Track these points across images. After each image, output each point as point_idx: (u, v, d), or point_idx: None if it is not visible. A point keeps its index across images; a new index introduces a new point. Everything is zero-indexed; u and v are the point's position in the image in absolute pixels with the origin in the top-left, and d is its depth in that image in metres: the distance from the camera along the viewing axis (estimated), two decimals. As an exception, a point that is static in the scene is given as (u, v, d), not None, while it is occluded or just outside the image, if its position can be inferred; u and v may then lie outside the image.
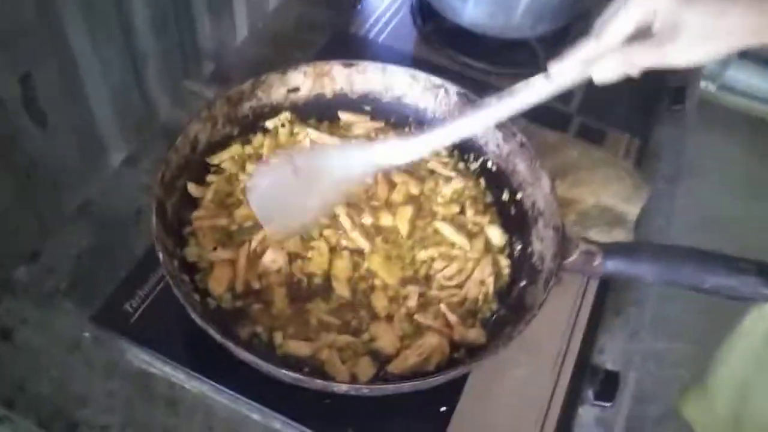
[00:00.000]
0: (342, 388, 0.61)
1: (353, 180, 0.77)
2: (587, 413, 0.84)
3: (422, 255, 0.78)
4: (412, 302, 0.73)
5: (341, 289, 0.74)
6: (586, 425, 0.84)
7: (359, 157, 0.74)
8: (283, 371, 0.61)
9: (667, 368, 1.97)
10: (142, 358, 0.80)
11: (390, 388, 0.63)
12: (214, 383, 0.74)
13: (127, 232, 0.88)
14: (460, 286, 0.76)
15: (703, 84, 2.51)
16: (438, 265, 0.77)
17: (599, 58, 0.60)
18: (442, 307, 0.73)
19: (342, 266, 0.76)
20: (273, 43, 1.19)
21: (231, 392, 0.74)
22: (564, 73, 0.62)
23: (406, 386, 0.62)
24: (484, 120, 0.69)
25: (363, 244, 0.77)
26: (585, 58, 0.61)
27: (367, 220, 0.79)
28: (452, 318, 0.72)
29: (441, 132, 0.70)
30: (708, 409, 1.07)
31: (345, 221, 0.77)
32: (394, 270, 0.77)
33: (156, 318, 0.77)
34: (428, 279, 0.77)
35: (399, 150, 0.72)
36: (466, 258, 0.78)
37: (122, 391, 0.80)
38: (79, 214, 0.96)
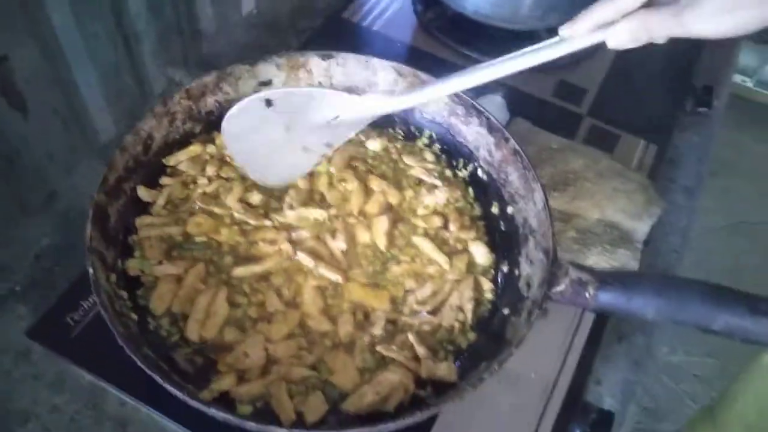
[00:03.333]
0: (280, 433, 0.53)
1: (335, 133, 0.70)
2: (579, 455, 0.76)
3: (394, 271, 0.69)
4: (378, 330, 0.65)
5: (317, 324, 0.66)
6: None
7: (344, 101, 0.67)
8: (213, 411, 0.53)
9: (683, 383, 1.87)
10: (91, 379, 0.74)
11: (335, 436, 0.54)
12: (161, 415, 0.67)
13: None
14: (434, 312, 0.67)
15: (739, 79, 2.37)
16: (409, 284, 0.69)
17: (614, 23, 0.55)
18: (410, 337, 0.64)
19: (311, 298, 0.67)
20: (267, 28, 1.12)
21: (179, 425, 0.66)
22: (576, 36, 0.58)
23: (353, 434, 0.54)
24: (484, 76, 0.62)
25: (333, 277, 0.69)
26: (599, 21, 0.56)
27: (341, 245, 0.70)
28: (421, 351, 0.63)
29: (436, 85, 0.64)
30: None
31: (305, 260, 0.69)
32: (382, 294, 0.68)
33: (100, 334, 0.69)
34: (396, 302, 0.68)
35: (390, 100, 0.67)
36: (443, 279, 0.69)
37: (69, 407, 0.75)
38: (43, 209, 0.90)
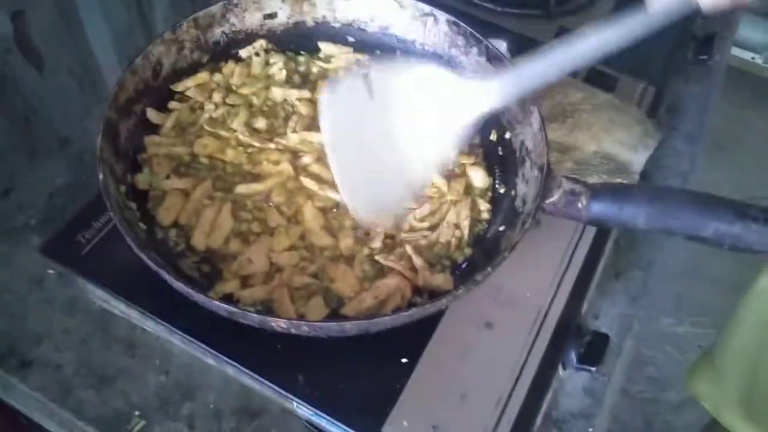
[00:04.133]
0: (281, 324, 0.55)
1: (440, 140, 0.62)
2: (574, 380, 0.78)
3: None
4: (377, 243, 0.67)
5: (318, 239, 0.68)
6: (573, 393, 0.78)
7: (443, 88, 0.60)
8: (216, 303, 0.55)
9: (688, 352, 1.88)
10: (101, 297, 0.76)
11: (333, 327, 0.56)
12: (166, 324, 0.69)
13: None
14: (432, 228, 0.69)
15: (749, 56, 2.36)
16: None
17: None
18: (408, 249, 0.66)
19: (313, 216, 0.69)
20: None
21: (184, 335, 0.69)
22: (665, 2, 0.54)
23: (349, 325, 0.56)
24: (585, 53, 0.57)
25: (338, 197, 0.70)
26: None
27: None
28: (417, 261, 0.65)
29: (541, 66, 0.59)
30: (717, 383, 0.99)
31: (309, 184, 0.71)
32: None
33: (110, 251, 0.72)
34: (396, 218, 0.70)
35: (497, 89, 0.60)
36: (441, 200, 0.71)
37: (80, 330, 0.77)
38: (58, 151, 0.93)
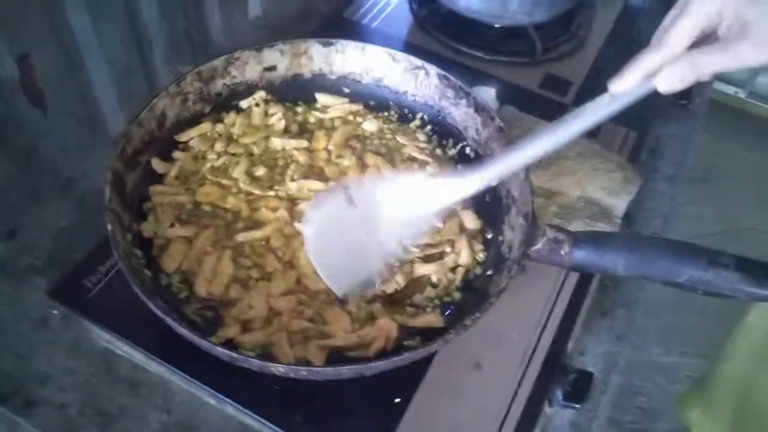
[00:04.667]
0: (279, 369, 0.58)
1: (416, 223, 0.70)
2: (560, 416, 0.81)
3: None
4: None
5: (313, 282, 0.71)
6: (559, 428, 0.80)
7: (419, 190, 0.68)
8: (219, 349, 0.58)
9: (677, 382, 1.90)
10: (105, 338, 0.79)
11: (329, 371, 0.60)
12: (169, 365, 0.72)
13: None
14: (426, 260, 0.73)
15: (732, 90, 2.43)
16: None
17: (662, 68, 0.57)
18: (398, 277, 0.70)
19: (307, 260, 0.72)
20: (272, 30, 1.18)
21: (186, 376, 0.72)
22: (626, 89, 0.59)
23: (345, 370, 0.59)
24: (550, 143, 0.63)
25: None
26: (647, 70, 0.57)
27: None
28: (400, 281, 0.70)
29: (508, 159, 0.65)
30: (708, 410, 1.02)
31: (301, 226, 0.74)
32: None
33: (115, 295, 0.75)
34: None
35: (466, 182, 0.66)
36: (440, 237, 0.75)
37: (84, 370, 0.79)
38: (61, 193, 0.96)
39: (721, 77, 2.39)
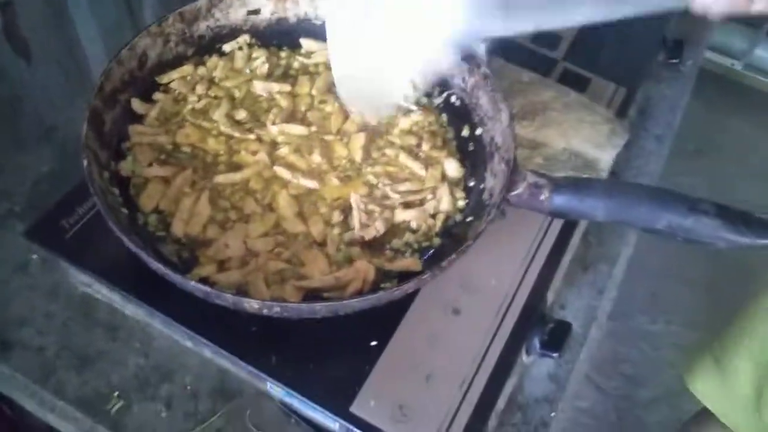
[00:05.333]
0: (253, 305, 0.58)
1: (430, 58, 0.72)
2: (539, 366, 0.81)
3: (369, 172, 0.75)
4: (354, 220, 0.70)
5: (292, 225, 0.71)
6: (538, 378, 0.81)
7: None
8: (192, 284, 0.58)
9: (662, 350, 1.92)
10: (83, 281, 0.79)
11: (303, 308, 0.59)
12: (147, 306, 0.72)
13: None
14: (407, 205, 0.73)
15: (729, 62, 2.42)
16: (385, 182, 0.74)
17: None
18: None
19: (287, 203, 0.72)
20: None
21: (163, 316, 0.71)
22: None
23: (319, 307, 0.59)
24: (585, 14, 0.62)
25: (310, 184, 0.73)
26: None
27: (316, 158, 0.75)
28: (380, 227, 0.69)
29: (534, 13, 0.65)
30: (724, 385, 1.02)
31: (283, 173, 0.73)
32: (355, 187, 0.74)
33: (92, 236, 0.75)
34: (372, 188, 0.75)
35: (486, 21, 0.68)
36: (422, 184, 0.74)
37: (62, 313, 0.79)
38: (43, 141, 0.95)
39: (717, 48, 2.38)
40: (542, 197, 0.66)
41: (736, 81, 2.45)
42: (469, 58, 0.79)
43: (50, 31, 0.97)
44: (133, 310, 0.78)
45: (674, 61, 1.08)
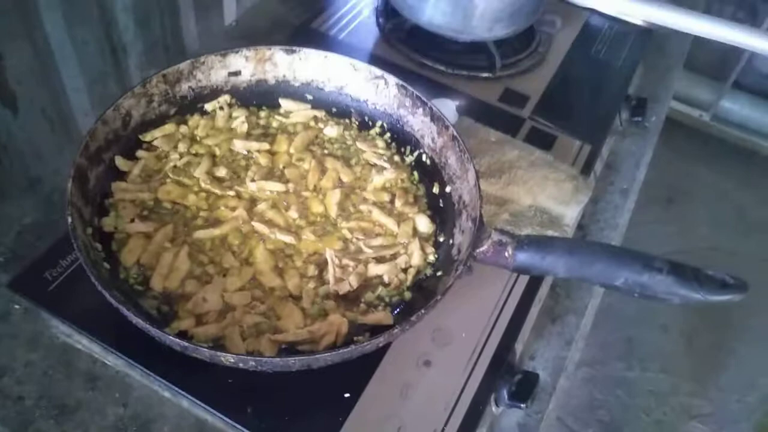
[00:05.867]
0: (229, 359, 0.61)
1: None
2: (508, 417, 0.83)
3: (344, 227, 0.78)
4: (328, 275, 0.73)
5: (268, 279, 0.73)
6: (507, 428, 0.83)
7: None
8: (170, 338, 0.60)
9: (638, 397, 1.94)
10: (64, 331, 0.80)
11: (277, 362, 0.62)
12: (126, 358, 0.74)
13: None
14: (378, 260, 0.76)
15: (696, 113, 2.51)
16: (359, 237, 0.78)
17: None
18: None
19: (264, 258, 0.75)
20: (245, 40, 1.21)
21: (142, 368, 0.73)
22: None
23: (292, 361, 0.61)
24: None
25: (287, 239, 0.77)
26: None
27: (293, 214, 0.79)
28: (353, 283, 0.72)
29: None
30: None
31: (261, 228, 0.77)
32: (330, 242, 0.77)
33: (75, 289, 0.77)
34: (347, 243, 0.78)
35: None
36: (393, 237, 0.78)
37: (42, 362, 0.80)
38: (28, 191, 0.97)
39: (685, 99, 2.47)
40: (506, 254, 0.70)
41: (704, 131, 2.53)
42: (437, 119, 0.83)
43: (37, 82, 0.99)
44: (112, 360, 0.79)
45: (638, 119, 1.13)
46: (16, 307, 0.84)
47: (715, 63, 2.40)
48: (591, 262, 0.68)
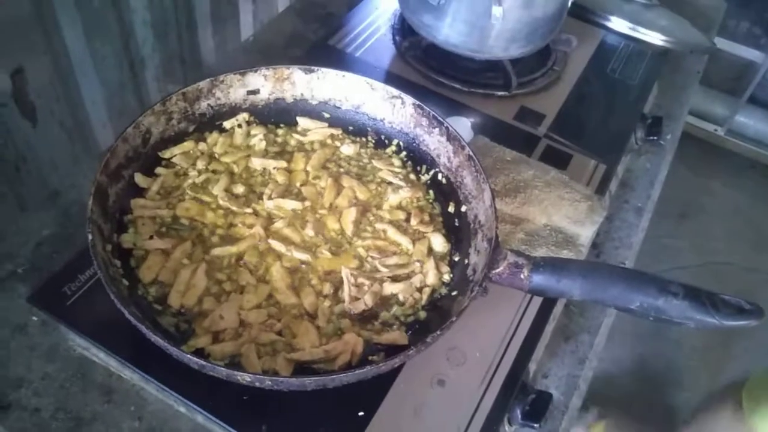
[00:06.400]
0: (246, 378, 0.61)
1: None
2: (522, 436, 0.83)
3: (359, 245, 0.79)
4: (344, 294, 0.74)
5: (284, 297, 0.74)
6: (520, 447, 0.83)
7: None
8: (188, 356, 0.61)
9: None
10: (81, 344, 0.81)
11: (293, 382, 0.62)
12: (142, 373, 0.75)
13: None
14: (395, 279, 0.76)
15: (711, 128, 2.50)
16: (374, 255, 0.78)
17: None
18: (367, 297, 0.73)
19: (280, 275, 0.76)
20: (262, 55, 1.22)
21: (158, 384, 0.74)
22: None
23: (308, 381, 0.62)
24: None
25: (303, 257, 0.77)
26: None
27: (309, 232, 0.79)
28: (368, 301, 0.72)
29: None
30: None
31: (277, 246, 0.77)
32: (345, 260, 0.78)
33: (93, 303, 0.78)
34: (362, 261, 0.78)
35: None
36: (408, 256, 0.79)
37: (59, 375, 0.81)
38: (47, 204, 0.99)
39: (700, 114, 2.46)
40: (522, 276, 0.70)
41: (718, 146, 2.53)
42: (453, 138, 0.84)
43: (57, 95, 1.01)
44: (128, 374, 0.80)
45: (653, 138, 1.13)
46: (34, 318, 0.85)
47: (731, 78, 2.40)
48: (606, 286, 0.69)
